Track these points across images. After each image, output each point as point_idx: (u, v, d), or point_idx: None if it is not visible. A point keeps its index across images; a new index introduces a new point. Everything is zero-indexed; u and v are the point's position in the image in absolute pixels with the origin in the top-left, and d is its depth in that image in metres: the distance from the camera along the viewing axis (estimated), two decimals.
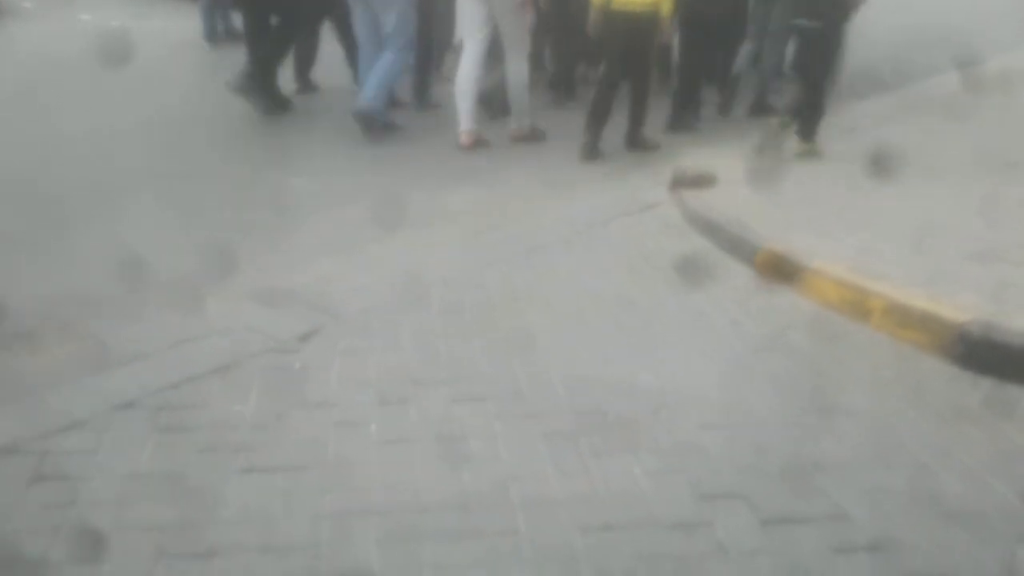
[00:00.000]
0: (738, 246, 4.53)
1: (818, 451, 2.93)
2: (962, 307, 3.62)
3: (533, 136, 6.75)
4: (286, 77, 7.75)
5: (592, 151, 6.28)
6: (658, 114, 6.82)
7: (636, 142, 6.52)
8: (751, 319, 3.88)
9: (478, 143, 6.55)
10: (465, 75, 6.50)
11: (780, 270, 4.24)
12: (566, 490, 2.70)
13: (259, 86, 7.11)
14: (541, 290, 4.14)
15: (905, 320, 3.68)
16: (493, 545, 2.46)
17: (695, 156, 5.84)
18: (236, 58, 7.50)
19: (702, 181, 5.34)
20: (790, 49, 7.48)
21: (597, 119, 6.26)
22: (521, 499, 2.65)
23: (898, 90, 8.58)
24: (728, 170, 5.45)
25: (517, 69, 6.58)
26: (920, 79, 8.86)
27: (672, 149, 6.35)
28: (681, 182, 5.35)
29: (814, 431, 3.04)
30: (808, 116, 6.01)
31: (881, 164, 5.37)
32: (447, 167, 6.08)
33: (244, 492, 2.65)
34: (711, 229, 4.80)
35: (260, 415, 3.05)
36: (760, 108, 7.47)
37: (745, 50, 7.61)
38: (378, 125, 6.65)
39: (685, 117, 7.08)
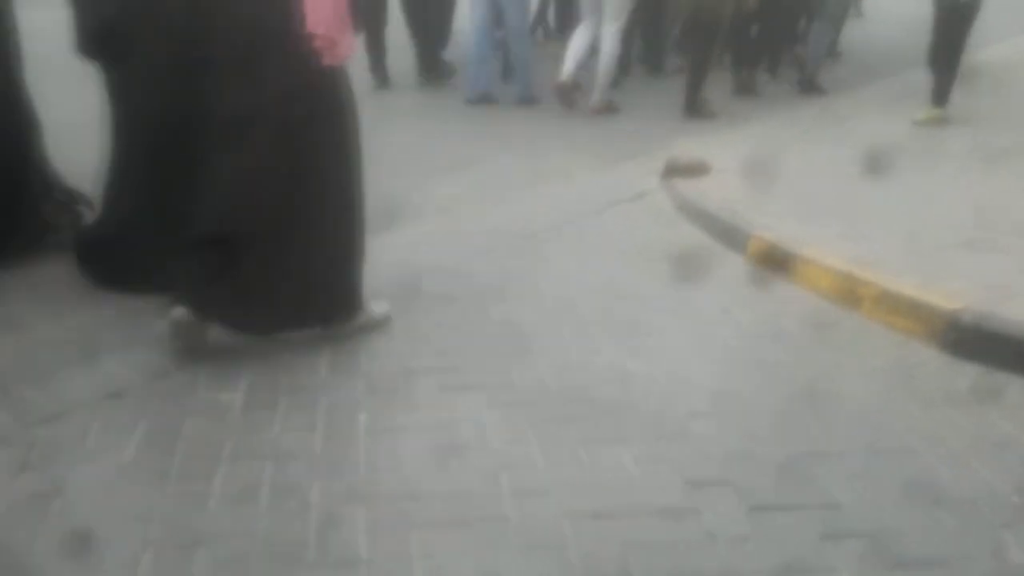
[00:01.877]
0: (730, 235, 4.53)
1: (808, 439, 2.93)
2: (953, 295, 3.62)
3: (609, 109, 7.43)
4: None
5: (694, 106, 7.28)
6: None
7: (694, 109, 7.28)
8: (742, 307, 3.88)
9: (609, 108, 7.44)
10: (612, 51, 7.31)
11: (772, 259, 4.24)
12: (556, 478, 2.69)
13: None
14: (532, 279, 4.13)
15: (896, 308, 3.68)
16: (483, 533, 2.46)
17: (752, 128, 6.24)
18: None
19: (695, 169, 5.33)
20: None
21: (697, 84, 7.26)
22: (511, 487, 2.64)
23: (891, 78, 8.59)
24: (721, 158, 5.45)
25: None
26: (914, 66, 8.86)
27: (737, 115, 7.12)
28: (674, 170, 5.34)
29: (804, 419, 3.03)
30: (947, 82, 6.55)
31: (873, 153, 5.37)
32: (436, 157, 6.06)
33: (232, 481, 2.64)
34: (703, 218, 4.79)
35: (248, 404, 3.03)
36: (810, 86, 8.15)
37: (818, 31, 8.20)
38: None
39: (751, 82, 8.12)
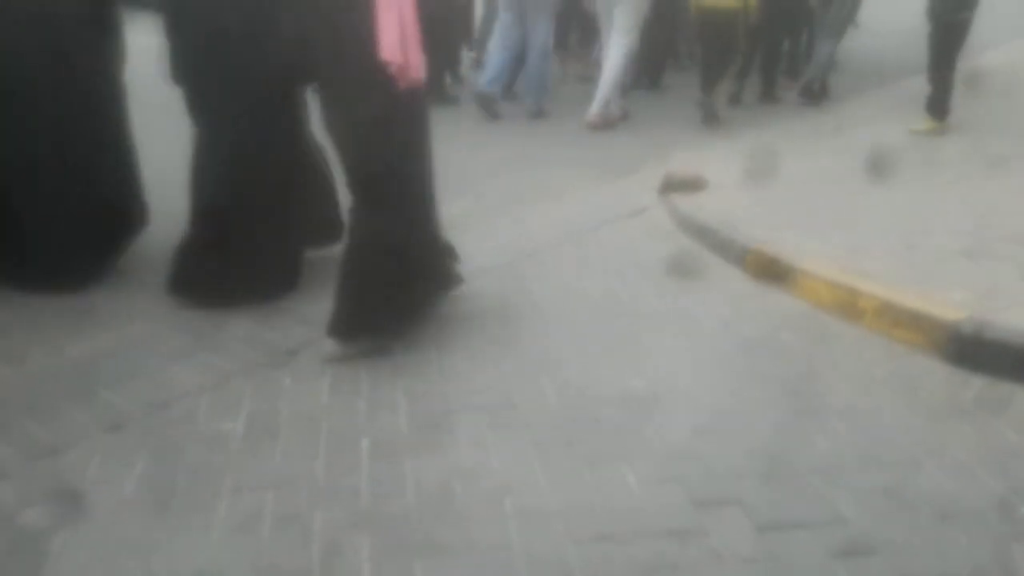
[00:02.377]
0: (728, 248, 4.52)
1: (814, 454, 2.91)
2: (954, 305, 3.61)
3: (609, 124, 7.50)
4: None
5: (711, 114, 7.49)
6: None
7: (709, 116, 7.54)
8: (743, 321, 3.86)
9: (609, 123, 7.51)
10: (618, 66, 7.41)
11: (771, 271, 4.23)
12: (560, 500, 2.67)
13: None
14: (532, 297, 4.12)
15: (897, 319, 3.66)
16: (487, 559, 2.44)
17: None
18: None
19: (692, 184, 5.33)
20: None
21: (710, 86, 7.54)
22: (514, 510, 2.62)
23: (887, 87, 8.61)
24: (718, 172, 5.45)
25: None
26: (910, 75, 8.89)
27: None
28: (671, 186, 5.34)
29: (808, 433, 3.02)
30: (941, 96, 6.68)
31: (870, 164, 5.37)
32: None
33: (234, 511, 2.62)
34: (701, 232, 4.78)
35: (250, 433, 3.02)
36: (811, 93, 8.27)
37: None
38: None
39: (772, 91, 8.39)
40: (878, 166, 5.30)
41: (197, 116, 3.79)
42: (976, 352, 3.41)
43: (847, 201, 5.02)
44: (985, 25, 6.79)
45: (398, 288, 3.49)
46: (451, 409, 3.17)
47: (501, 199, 5.51)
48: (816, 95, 8.26)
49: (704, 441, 2.97)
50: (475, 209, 5.29)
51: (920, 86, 6.90)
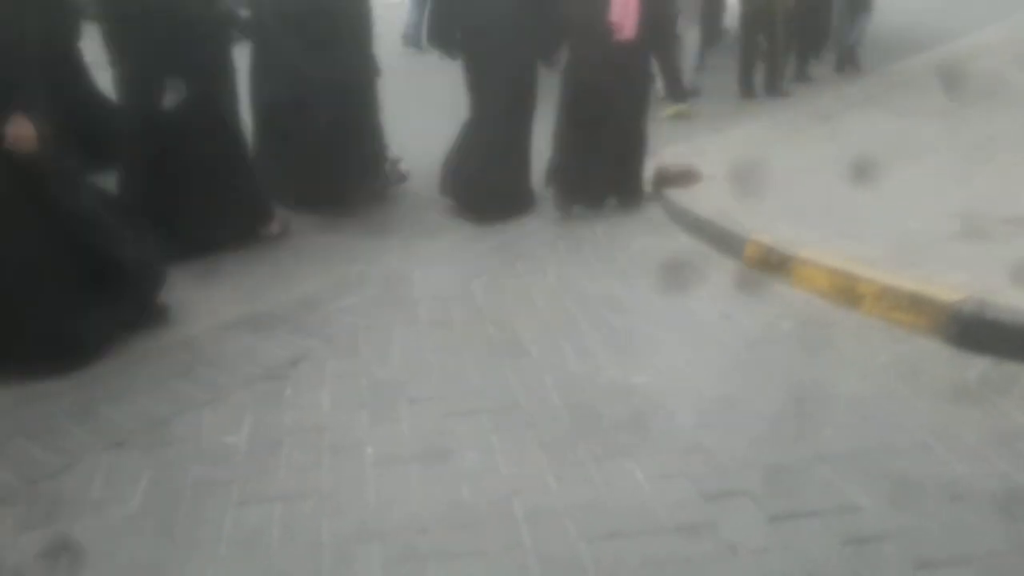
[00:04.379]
0: (725, 241, 4.51)
1: (820, 442, 2.90)
2: (953, 287, 3.60)
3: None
4: None
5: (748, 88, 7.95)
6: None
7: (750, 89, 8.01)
8: (742, 313, 3.85)
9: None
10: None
11: (769, 262, 4.22)
12: (568, 499, 2.66)
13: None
14: (529, 298, 4.10)
15: (897, 303, 3.66)
16: (498, 561, 2.42)
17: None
18: None
19: (685, 177, 5.32)
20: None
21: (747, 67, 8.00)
22: (524, 512, 2.61)
23: (873, 72, 8.62)
24: (710, 164, 5.44)
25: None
26: (893, 60, 8.92)
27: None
28: (664, 180, 5.32)
29: (814, 421, 3.00)
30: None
31: (860, 150, 5.37)
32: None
33: (241, 525, 2.59)
34: (697, 225, 4.77)
35: (253, 445, 2.99)
36: (848, 65, 8.76)
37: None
38: None
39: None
40: (868, 152, 5.30)
41: (472, 78, 5.05)
42: (978, 332, 3.40)
43: (840, 189, 5.00)
44: (958, 14, 6.80)
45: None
46: (454, 413, 3.15)
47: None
48: (855, 68, 8.73)
49: (710, 434, 2.96)
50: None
51: (907, 68, 6.90)
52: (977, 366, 3.32)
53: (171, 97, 4.29)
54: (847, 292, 3.84)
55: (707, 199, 4.97)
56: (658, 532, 2.51)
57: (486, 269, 4.41)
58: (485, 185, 5.07)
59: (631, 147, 5.17)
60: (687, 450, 2.88)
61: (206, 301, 4.02)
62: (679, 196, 5.11)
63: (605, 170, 5.13)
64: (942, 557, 2.38)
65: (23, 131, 3.27)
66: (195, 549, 2.50)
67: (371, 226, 5.01)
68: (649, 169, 5.36)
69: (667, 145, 6.02)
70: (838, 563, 2.37)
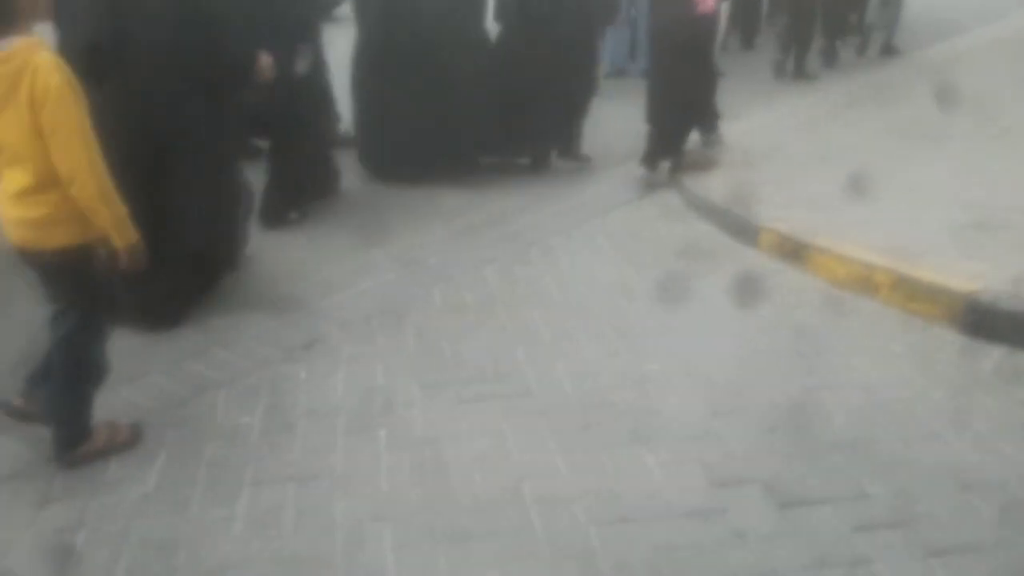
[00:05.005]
0: (741, 228, 4.49)
1: (832, 429, 2.90)
2: (970, 276, 3.58)
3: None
4: None
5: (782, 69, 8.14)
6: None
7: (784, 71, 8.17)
8: (757, 300, 3.84)
9: None
10: None
11: (785, 250, 4.20)
12: (579, 485, 2.67)
13: None
14: (543, 284, 4.10)
15: (913, 292, 3.64)
16: (509, 545, 2.43)
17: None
18: None
19: (701, 164, 5.30)
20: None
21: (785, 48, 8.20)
22: (534, 496, 2.62)
23: (897, 59, 8.55)
24: (728, 151, 5.42)
25: None
26: (926, 45, 8.85)
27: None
28: (680, 167, 5.31)
29: (827, 409, 3.00)
30: None
31: (880, 136, 5.33)
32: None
33: (255, 505, 2.63)
34: (713, 212, 4.76)
35: (268, 427, 3.02)
36: (889, 50, 8.88)
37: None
38: None
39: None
40: (888, 138, 5.27)
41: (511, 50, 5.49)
42: (994, 323, 3.38)
43: (858, 176, 4.97)
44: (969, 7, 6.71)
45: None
46: (466, 398, 3.17)
47: (503, 189, 5.49)
48: (894, 50, 8.84)
49: (722, 421, 2.96)
50: (477, 200, 5.26)
51: (930, 55, 6.82)
52: (992, 356, 3.30)
53: (302, 64, 4.46)
54: (863, 281, 3.83)
55: (723, 186, 4.95)
56: (668, 518, 2.52)
57: (500, 255, 4.42)
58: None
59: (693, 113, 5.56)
60: (698, 437, 2.89)
61: (224, 283, 4.05)
62: (695, 182, 5.10)
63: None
64: (952, 546, 2.38)
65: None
66: (209, 528, 2.54)
67: (385, 213, 5.02)
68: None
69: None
70: (848, 550, 2.37)
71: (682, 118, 5.42)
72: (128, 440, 2.90)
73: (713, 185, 5.02)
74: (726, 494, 2.60)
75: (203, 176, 3.71)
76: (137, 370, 3.35)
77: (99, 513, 2.60)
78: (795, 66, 8.07)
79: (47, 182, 2.52)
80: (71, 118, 2.47)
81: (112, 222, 2.59)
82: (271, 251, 4.48)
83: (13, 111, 2.46)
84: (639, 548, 2.40)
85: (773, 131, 6.10)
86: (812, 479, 2.66)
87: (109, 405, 3.12)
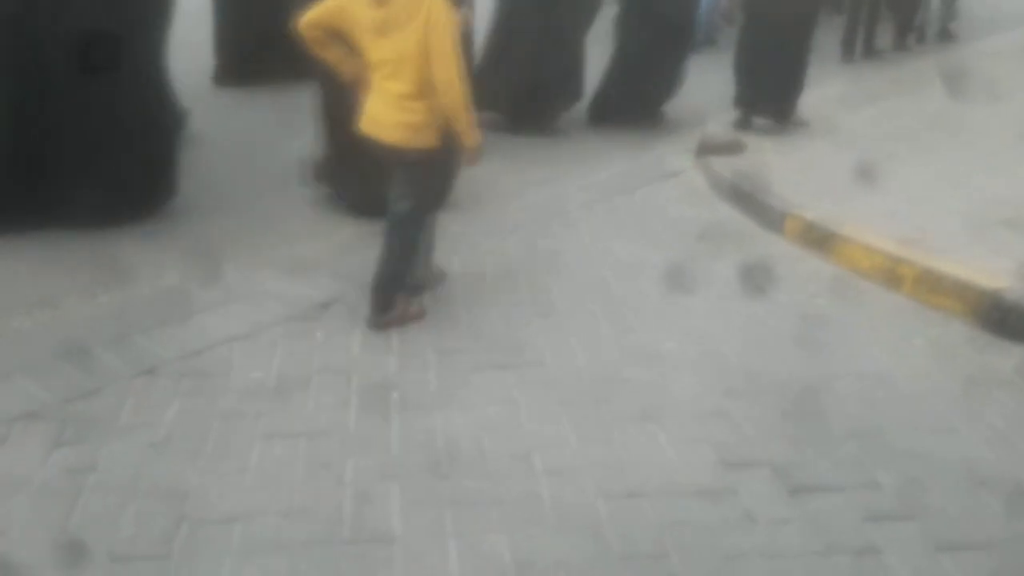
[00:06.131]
0: (766, 213, 4.45)
1: (848, 418, 2.87)
2: (995, 273, 3.54)
3: None
4: None
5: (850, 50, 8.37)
6: None
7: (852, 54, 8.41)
8: (778, 286, 3.81)
9: None
10: None
11: (809, 238, 4.16)
12: (589, 458, 2.66)
13: None
14: (563, 257, 4.08)
15: (937, 286, 3.60)
16: (516, 512, 2.43)
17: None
18: None
19: (729, 148, 5.25)
20: None
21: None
22: (543, 466, 2.62)
23: (925, 56, 8.42)
24: (756, 137, 5.36)
25: None
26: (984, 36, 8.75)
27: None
28: (708, 149, 5.26)
29: (843, 397, 2.98)
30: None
31: (909, 130, 5.25)
32: None
33: (266, 458, 2.63)
34: (738, 196, 4.72)
35: (282, 382, 3.03)
36: (947, 35, 9.33)
37: None
38: None
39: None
40: (917, 134, 5.19)
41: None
42: (1018, 321, 3.34)
43: (886, 168, 4.91)
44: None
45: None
46: (480, 366, 3.16)
47: (530, 160, 5.45)
48: (952, 36, 9.22)
49: (736, 403, 2.94)
50: (504, 171, 5.23)
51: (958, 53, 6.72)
52: (1014, 355, 3.26)
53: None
54: (887, 272, 3.79)
55: (749, 170, 4.90)
56: (677, 495, 2.51)
57: (522, 226, 4.40)
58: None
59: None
60: (712, 417, 2.87)
61: (244, 240, 4.05)
62: (722, 165, 5.05)
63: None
64: (962, 540, 2.36)
65: None
66: (219, 478, 2.54)
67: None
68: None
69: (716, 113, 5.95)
70: (857, 539, 2.36)
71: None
72: (418, 315, 3.45)
73: (740, 169, 4.97)
74: (736, 475, 2.59)
75: None
76: (153, 320, 3.36)
77: (109, 458, 2.61)
78: (864, 46, 8.33)
79: (421, 92, 3.13)
80: (450, 41, 3.07)
81: (466, 126, 3.18)
82: (290, 209, 4.48)
83: (411, 32, 3.06)
84: (646, 523, 2.40)
85: (812, 113, 6.01)
86: (823, 466, 2.64)
87: (124, 353, 3.15)
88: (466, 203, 4.66)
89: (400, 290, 3.42)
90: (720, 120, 5.80)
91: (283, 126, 5.45)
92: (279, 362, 3.14)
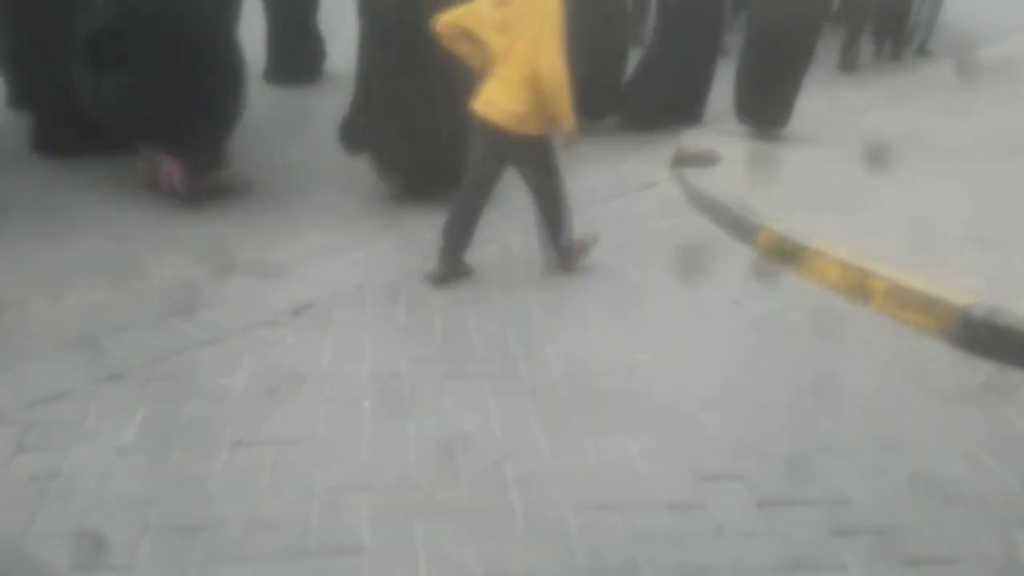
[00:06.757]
0: (740, 226, 4.47)
1: (817, 433, 2.88)
2: (965, 290, 3.57)
3: None
4: None
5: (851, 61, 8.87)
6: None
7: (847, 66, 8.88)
8: (751, 299, 3.82)
9: None
10: None
11: (781, 251, 4.18)
12: (561, 468, 2.65)
13: None
14: (539, 268, 4.06)
15: (907, 302, 3.62)
16: (487, 523, 2.41)
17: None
18: None
19: (704, 159, 5.27)
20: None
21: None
22: (515, 477, 2.60)
23: (902, 73, 8.52)
24: (731, 149, 5.39)
25: None
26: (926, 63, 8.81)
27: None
28: (683, 160, 5.28)
29: (814, 412, 2.99)
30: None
31: (882, 147, 5.31)
32: None
33: (233, 466, 2.59)
34: (712, 208, 4.73)
35: (250, 389, 2.99)
36: (923, 51, 9.73)
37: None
38: None
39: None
40: (890, 150, 5.25)
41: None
42: (986, 338, 3.37)
43: (860, 183, 4.96)
44: (999, 15, 6.74)
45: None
46: (454, 375, 3.14)
47: None
48: (928, 52, 9.60)
49: (709, 416, 2.94)
50: None
51: (937, 70, 6.82)
52: (983, 371, 3.29)
53: None
54: (858, 287, 3.81)
55: (724, 183, 4.93)
56: (647, 507, 2.50)
57: (497, 235, 4.38)
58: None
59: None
60: (684, 430, 2.87)
61: (215, 245, 4.01)
62: (697, 177, 5.07)
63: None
64: (930, 556, 2.37)
65: None
66: (184, 486, 2.50)
67: (380, 184, 4.98)
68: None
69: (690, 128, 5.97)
70: (824, 552, 2.36)
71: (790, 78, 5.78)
72: (593, 241, 4.06)
73: (714, 181, 4.99)
74: (708, 488, 2.59)
75: None
76: (120, 323, 3.31)
77: (74, 464, 2.56)
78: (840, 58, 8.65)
79: (528, 81, 3.49)
80: (558, 34, 3.43)
81: (564, 111, 3.52)
82: (264, 214, 4.44)
83: (530, 23, 3.44)
84: (616, 535, 2.38)
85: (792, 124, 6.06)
86: (794, 480, 2.64)
87: (89, 357, 3.10)
88: (441, 212, 4.65)
89: (559, 239, 3.92)
90: (706, 129, 5.82)
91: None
92: (247, 368, 3.11)
